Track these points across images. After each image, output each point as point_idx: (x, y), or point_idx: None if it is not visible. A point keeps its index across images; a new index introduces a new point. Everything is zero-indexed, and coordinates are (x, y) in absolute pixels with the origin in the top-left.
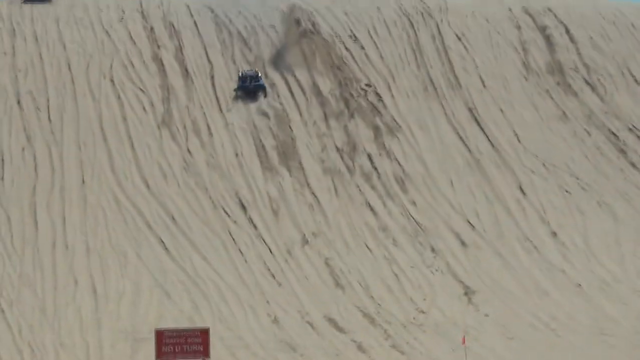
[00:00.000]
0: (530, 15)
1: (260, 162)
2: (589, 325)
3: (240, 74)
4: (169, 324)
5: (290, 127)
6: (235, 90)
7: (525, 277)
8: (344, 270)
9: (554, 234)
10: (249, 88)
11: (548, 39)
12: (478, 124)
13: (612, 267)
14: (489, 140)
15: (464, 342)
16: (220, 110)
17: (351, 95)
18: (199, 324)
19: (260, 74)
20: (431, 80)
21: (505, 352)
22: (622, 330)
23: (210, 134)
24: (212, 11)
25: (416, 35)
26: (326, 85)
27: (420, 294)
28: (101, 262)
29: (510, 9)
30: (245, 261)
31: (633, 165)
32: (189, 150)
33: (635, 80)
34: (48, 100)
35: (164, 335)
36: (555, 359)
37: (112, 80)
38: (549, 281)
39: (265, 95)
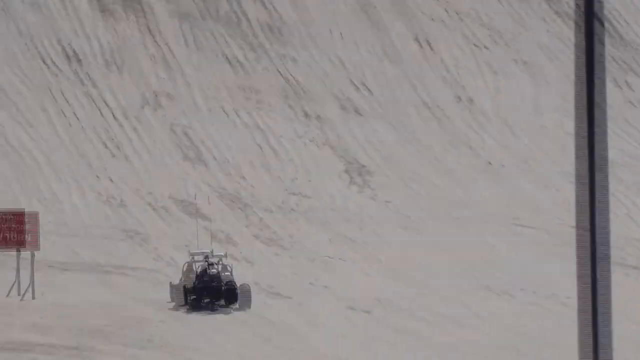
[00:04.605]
0: None
1: (92, 1)
2: (501, 214)
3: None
4: None
5: None
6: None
7: (424, 152)
8: (195, 139)
9: (459, 99)
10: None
11: None
12: None
13: (531, 141)
14: None
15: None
16: None
17: None
18: (12, 205)
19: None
20: None
21: (397, 244)
22: (542, 220)
23: None
24: None
25: None
26: None
27: (293, 170)
28: None
29: None
30: (70, 125)
31: (559, 13)
32: None
33: None
34: None
35: None
36: (460, 254)
37: None
38: (452, 158)
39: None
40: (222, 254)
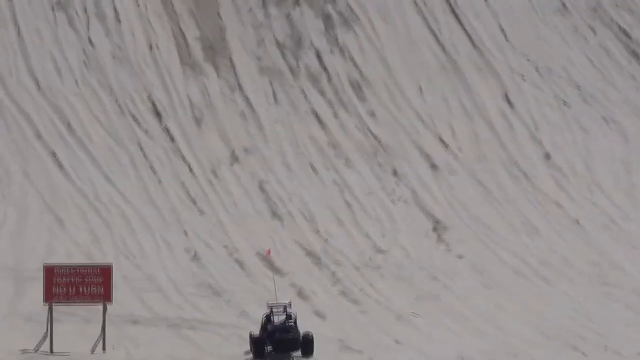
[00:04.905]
0: None
1: (180, 58)
2: (588, 273)
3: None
4: (61, 258)
5: (218, 15)
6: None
7: (511, 210)
8: (282, 196)
9: (548, 157)
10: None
11: None
12: (455, 15)
13: (619, 199)
14: (467, 35)
15: (268, 253)
16: None
17: None
18: (99, 259)
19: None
20: None
21: (482, 302)
22: (630, 280)
23: (118, 20)
24: None
25: None
26: None
27: (379, 228)
28: None
29: None
30: (159, 182)
31: None
32: (90, 40)
33: None
34: None
35: (55, 273)
36: (545, 313)
37: None
38: (539, 216)
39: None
40: (287, 302)
